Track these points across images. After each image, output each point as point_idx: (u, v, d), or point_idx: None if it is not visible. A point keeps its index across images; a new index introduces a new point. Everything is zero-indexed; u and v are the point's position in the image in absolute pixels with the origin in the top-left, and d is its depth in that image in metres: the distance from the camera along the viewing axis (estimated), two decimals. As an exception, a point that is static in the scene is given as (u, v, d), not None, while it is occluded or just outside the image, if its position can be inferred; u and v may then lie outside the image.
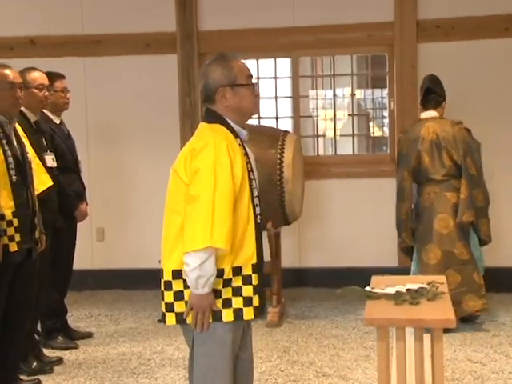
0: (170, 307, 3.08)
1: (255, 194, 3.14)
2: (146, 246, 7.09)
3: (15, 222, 4.30)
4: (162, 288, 3.11)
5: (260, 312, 3.12)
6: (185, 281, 3.03)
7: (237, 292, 3.05)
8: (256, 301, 3.08)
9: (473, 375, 4.70)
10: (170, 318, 3.09)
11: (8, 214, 4.27)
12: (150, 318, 6.29)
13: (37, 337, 5.29)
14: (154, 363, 5.14)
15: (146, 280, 7.00)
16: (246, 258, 3.06)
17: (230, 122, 3.15)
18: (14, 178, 4.30)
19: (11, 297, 4.36)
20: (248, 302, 3.07)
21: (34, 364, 4.94)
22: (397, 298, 3.38)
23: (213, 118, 3.17)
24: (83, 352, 5.43)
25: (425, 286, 3.53)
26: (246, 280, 3.06)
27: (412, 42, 6.84)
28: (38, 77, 5.09)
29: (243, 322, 3.12)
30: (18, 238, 4.31)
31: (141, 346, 5.53)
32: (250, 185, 3.10)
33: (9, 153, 4.30)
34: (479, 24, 6.77)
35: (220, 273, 3.02)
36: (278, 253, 6.21)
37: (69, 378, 4.88)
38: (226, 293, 3.04)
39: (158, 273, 6.21)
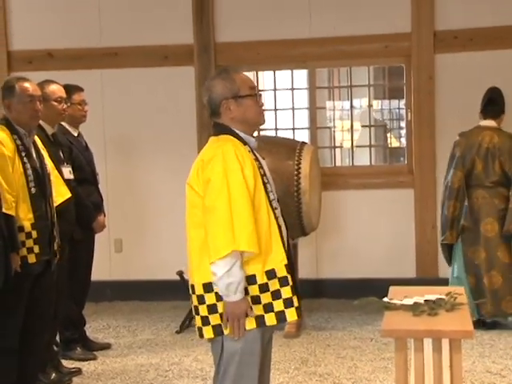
0: (205, 321, 3.11)
1: (272, 197, 3.16)
2: (163, 258, 7.11)
3: (34, 233, 4.32)
4: (196, 303, 3.13)
5: (300, 312, 3.16)
6: (217, 294, 3.05)
7: (276, 296, 3.08)
8: (296, 301, 3.13)
9: (492, 387, 4.67)
10: (208, 332, 3.12)
11: (27, 225, 4.30)
12: (167, 329, 6.29)
13: (55, 348, 5.30)
14: (171, 374, 5.15)
15: (164, 291, 7.03)
16: (278, 259, 3.09)
17: (237, 131, 3.19)
18: (33, 190, 4.32)
19: (30, 307, 4.38)
20: (289, 303, 3.10)
21: (53, 375, 4.96)
22: (415, 309, 3.37)
23: (219, 130, 3.22)
24: (101, 363, 5.44)
25: (443, 296, 3.51)
26: (283, 282, 3.09)
27: (429, 52, 6.83)
28: (56, 89, 5.13)
29: (270, 331, 3.17)
30: (36, 249, 4.33)
31: (159, 357, 5.53)
32: (265, 188, 3.12)
33: (28, 165, 4.33)
34: (497, 34, 6.75)
35: (252, 279, 3.05)
36: (296, 264, 6.19)
37: (87, 389, 4.90)
38: (265, 298, 3.07)
39: (176, 284, 6.25)
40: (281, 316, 3.09)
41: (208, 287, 3.07)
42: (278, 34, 7.01)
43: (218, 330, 3.09)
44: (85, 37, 7.23)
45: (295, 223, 5.85)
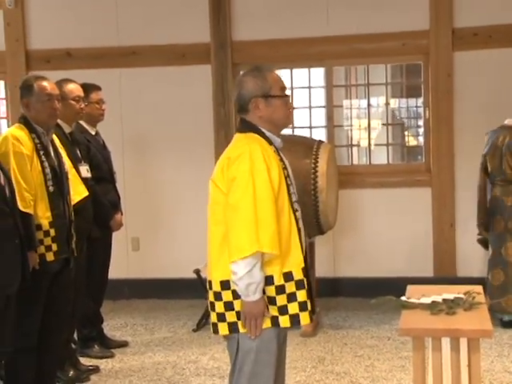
0: (221, 317, 3.12)
1: (294, 199, 3.16)
2: (180, 256, 7.12)
3: (52, 232, 4.34)
4: (212, 299, 3.14)
5: (313, 315, 3.16)
6: (233, 291, 3.05)
7: (292, 298, 3.08)
8: (309, 305, 3.12)
9: (511, 387, 4.64)
10: (223, 328, 3.13)
11: (45, 224, 4.32)
12: (184, 327, 6.30)
13: (73, 345, 5.34)
14: (188, 372, 5.16)
15: (181, 289, 7.04)
16: (296, 262, 3.09)
17: (263, 130, 3.17)
18: (51, 188, 4.34)
19: (48, 305, 4.40)
20: (304, 306, 3.10)
21: (71, 372, 4.99)
22: (433, 307, 3.35)
23: (246, 127, 3.20)
24: (119, 361, 5.46)
25: (461, 295, 3.49)
26: (299, 285, 3.09)
27: (447, 50, 6.79)
28: (74, 89, 5.14)
29: (284, 331, 3.16)
30: (54, 247, 4.35)
31: (176, 356, 5.54)
32: (288, 190, 3.12)
33: (46, 164, 4.35)
34: (516, 31, 6.70)
35: (270, 280, 3.05)
36: (313, 263, 6.18)
37: (104, 387, 4.92)
38: (281, 300, 3.06)
39: (193, 282, 6.27)
40: (295, 319, 3.09)
41: (225, 284, 3.08)
42: (295, 32, 6.99)
43: (233, 327, 3.10)
44: (103, 36, 7.26)
45: (312, 222, 5.84)
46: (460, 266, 6.84)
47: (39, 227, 4.28)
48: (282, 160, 3.19)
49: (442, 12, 6.77)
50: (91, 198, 5.16)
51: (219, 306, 3.11)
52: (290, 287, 3.07)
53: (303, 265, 3.11)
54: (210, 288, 3.15)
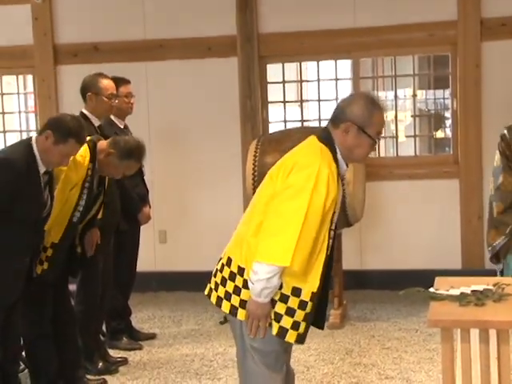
0: (227, 296, 3.14)
1: (333, 226, 3.13)
2: (208, 248, 7.11)
3: (49, 251, 4.34)
4: (227, 276, 3.15)
5: (302, 339, 3.12)
6: (245, 280, 3.06)
7: (290, 312, 3.06)
8: (302, 328, 3.09)
9: (540, 379, 4.60)
10: (226, 306, 3.15)
11: (48, 241, 4.33)
12: (212, 319, 6.33)
13: (102, 337, 5.38)
14: (216, 364, 5.18)
15: (208, 282, 7.05)
16: (309, 284, 3.07)
17: (338, 152, 3.15)
18: (74, 219, 4.37)
19: (58, 299, 4.48)
20: (296, 326, 3.08)
21: (100, 364, 5.03)
22: (461, 299, 3.33)
23: (327, 139, 3.16)
24: (147, 353, 5.50)
25: (490, 287, 3.47)
26: (302, 305, 3.07)
27: (476, 40, 6.72)
28: (108, 85, 5.17)
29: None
30: (45, 266, 4.35)
31: (203, 348, 5.57)
32: (332, 217, 3.10)
33: (84, 197, 4.37)
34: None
35: (279, 286, 3.04)
36: (340, 255, 6.18)
37: (133, 379, 4.95)
38: (280, 307, 3.06)
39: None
40: (283, 331, 3.07)
41: (241, 271, 3.09)
42: (321, 24, 6.97)
43: (233, 310, 3.11)
44: (129, 29, 7.28)
45: (339, 214, 5.81)
46: (488, 259, 6.78)
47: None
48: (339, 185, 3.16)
49: (470, 2, 6.71)
50: (119, 191, 5.21)
51: (229, 286, 3.13)
52: (293, 302, 3.06)
53: (315, 290, 3.07)
54: (229, 265, 3.15)
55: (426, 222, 6.98)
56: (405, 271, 6.83)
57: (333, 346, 5.44)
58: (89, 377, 4.81)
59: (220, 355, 5.36)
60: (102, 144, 4.49)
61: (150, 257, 7.23)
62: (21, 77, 8.13)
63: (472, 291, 3.41)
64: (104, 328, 5.53)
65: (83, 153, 4.35)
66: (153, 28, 7.26)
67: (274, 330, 3.07)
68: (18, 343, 4.40)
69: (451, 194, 6.91)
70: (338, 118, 3.16)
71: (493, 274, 5.96)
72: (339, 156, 3.15)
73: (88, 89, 5.11)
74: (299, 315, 3.07)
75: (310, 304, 3.07)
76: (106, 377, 4.90)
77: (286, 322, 3.07)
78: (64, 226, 4.34)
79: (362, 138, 3.13)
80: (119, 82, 5.51)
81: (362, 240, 7.08)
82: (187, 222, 7.33)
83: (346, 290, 6.43)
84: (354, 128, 3.11)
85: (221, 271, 3.20)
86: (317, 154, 3.09)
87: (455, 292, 3.41)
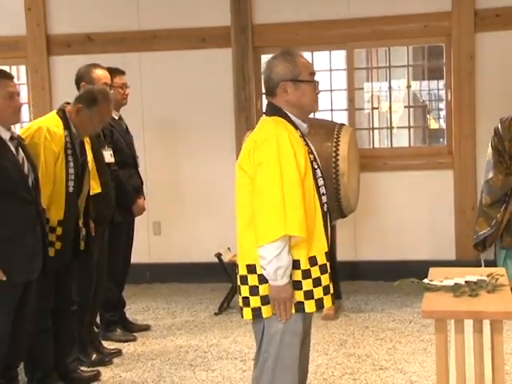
0: (245, 302, 3.13)
1: (320, 182, 3.15)
2: (202, 240, 7.14)
3: (59, 230, 4.36)
4: (239, 283, 3.16)
5: (335, 297, 3.18)
6: (259, 276, 3.05)
7: (317, 283, 3.09)
8: (331, 288, 3.14)
9: (534, 370, 4.62)
10: (247, 313, 3.14)
11: (54, 220, 4.34)
12: (206, 310, 6.33)
13: (96, 329, 5.37)
14: (210, 355, 5.18)
15: (203, 273, 7.07)
16: (320, 247, 3.10)
17: (290, 115, 3.16)
18: (70, 189, 4.37)
19: (58, 289, 4.48)
20: (327, 290, 3.12)
21: (94, 356, 5.02)
22: (455, 290, 3.34)
23: (273, 111, 3.19)
24: (141, 344, 5.50)
25: (484, 278, 3.48)
26: (323, 269, 3.10)
27: (470, 31, 6.72)
28: (102, 75, 5.16)
29: (311, 313, 3.18)
30: (58, 246, 4.37)
31: (198, 339, 5.57)
32: (314, 174, 3.11)
33: (71, 164, 4.36)
34: (539, 12, 6.62)
35: (296, 264, 3.05)
36: (334, 246, 6.17)
37: (127, 370, 4.95)
38: (307, 284, 3.07)
39: (214, 266, 6.29)
40: (319, 303, 3.11)
41: (251, 268, 3.08)
42: (316, 15, 6.95)
43: (256, 312, 3.10)
44: (123, 20, 7.25)
45: (333, 205, 5.83)
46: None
47: (47, 221, 4.28)
48: (307, 145, 3.17)
49: (464, -7, 6.70)
50: (114, 183, 5.20)
51: (245, 290, 3.12)
52: (315, 272, 3.08)
53: (327, 249, 3.12)
54: (238, 272, 3.17)
55: (420, 212, 6.98)
56: (399, 262, 6.84)
57: (327, 337, 5.45)
58: (83, 368, 4.80)
59: (214, 346, 5.36)
60: (69, 107, 4.51)
61: (145, 248, 7.23)
62: (14, 67, 8.08)
63: (466, 282, 3.42)
64: (98, 320, 5.52)
65: (56, 123, 4.39)
66: (147, 18, 7.23)
67: (312, 307, 3.09)
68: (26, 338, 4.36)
69: (445, 185, 6.92)
70: (270, 87, 3.20)
71: (486, 265, 5.98)
72: (293, 118, 3.18)
73: (82, 79, 5.11)
74: (325, 279, 3.11)
75: (328, 264, 3.11)
76: (100, 368, 4.89)
77: (318, 292, 3.09)
78: (63, 200, 4.34)
79: (302, 87, 3.16)
80: (114, 72, 5.49)
81: (356, 231, 7.08)
82: (181, 214, 7.32)
83: (340, 281, 6.43)
84: (288, 83, 3.15)
85: (237, 283, 3.21)
86: (270, 126, 3.13)
87: (449, 283, 3.42)
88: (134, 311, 6.34)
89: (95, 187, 4.85)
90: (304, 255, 3.06)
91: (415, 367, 4.76)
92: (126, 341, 5.53)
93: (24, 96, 7.87)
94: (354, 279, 7.01)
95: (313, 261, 3.07)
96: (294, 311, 3.09)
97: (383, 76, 7.92)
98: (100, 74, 5.13)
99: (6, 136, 3.99)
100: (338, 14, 6.92)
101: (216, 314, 6.18)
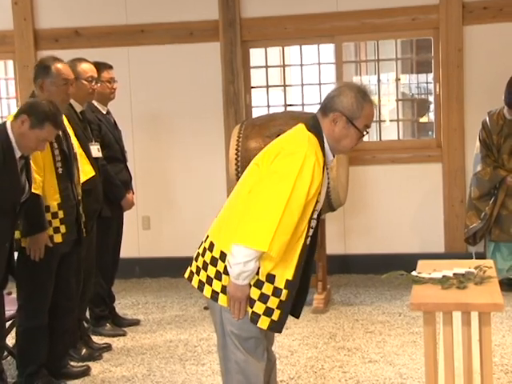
0: (209, 280, 3.13)
1: (314, 216, 3.11)
2: (191, 234, 7.09)
3: (60, 213, 4.36)
4: (208, 260, 3.13)
5: (277, 327, 3.09)
6: (225, 266, 3.05)
7: (263, 298, 3.05)
8: (276, 315, 3.07)
9: (522, 361, 4.64)
10: (207, 291, 3.14)
11: (53, 205, 4.33)
12: (196, 305, 6.33)
13: (85, 324, 5.37)
14: (200, 350, 5.18)
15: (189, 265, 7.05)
16: (285, 271, 3.05)
17: (325, 141, 3.12)
18: (59, 170, 4.35)
19: (58, 285, 4.45)
20: (268, 312, 3.07)
21: (84, 351, 5.01)
22: (444, 282, 3.35)
23: (315, 128, 3.13)
24: (131, 339, 5.49)
25: (472, 270, 3.49)
26: (276, 292, 3.05)
27: (458, 24, 6.73)
28: (88, 69, 5.12)
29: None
30: (62, 229, 4.37)
31: (187, 333, 5.57)
32: (314, 206, 3.08)
33: (55, 145, 4.35)
34: (527, 5, 6.63)
35: (257, 269, 3.03)
36: (323, 239, 6.19)
37: (117, 365, 4.94)
38: (254, 293, 3.05)
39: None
40: (255, 317, 3.06)
41: (223, 257, 3.07)
42: (304, 8, 6.95)
43: (215, 295, 3.10)
44: (111, 14, 7.23)
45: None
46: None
47: (47, 209, 4.30)
48: (324, 175, 3.13)
49: (452, -14, 6.71)
50: (103, 177, 5.18)
51: (211, 271, 3.11)
52: (267, 288, 3.04)
53: (290, 278, 3.05)
54: (210, 250, 3.14)
55: (409, 206, 7.00)
56: (388, 255, 6.86)
57: (317, 331, 5.46)
58: (72, 363, 4.79)
59: (204, 341, 5.37)
60: (37, 91, 4.49)
61: (134, 243, 7.22)
62: (1, 62, 8.06)
63: (454, 274, 3.43)
64: (87, 314, 5.51)
65: None
66: (134, 13, 7.21)
67: (248, 315, 3.07)
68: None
69: (434, 178, 6.94)
70: (327, 107, 3.14)
71: (478, 257, 6.02)
72: (326, 145, 3.13)
73: None
74: (273, 302, 3.05)
75: (284, 292, 3.05)
76: (90, 363, 4.88)
77: (259, 307, 3.05)
78: (55, 182, 4.32)
79: (350, 130, 3.11)
80: (101, 66, 5.47)
81: (345, 224, 7.09)
82: (171, 208, 7.31)
83: (330, 274, 6.45)
84: (342, 119, 3.09)
85: (202, 255, 3.19)
86: (304, 142, 3.06)
87: (437, 275, 3.43)
88: (124, 306, 6.34)
89: (88, 171, 4.81)
90: (266, 268, 3.02)
91: (404, 360, 4.77)
92: (116, 335, 5.53)
93: (12, 91, 7.85)
94: (344, 272, 7.02)
95: (270, 278, 3.03)
96: (249, 316, 3.07)
97: (372, 69, 7.93)
98: (86, 67, 5.11)
99: (17, 154, 4.00)
100: (327, 7, 6.92)
101: (205, 308, 6.17)
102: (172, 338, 5.47)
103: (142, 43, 7.21)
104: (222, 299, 3.09)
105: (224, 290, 3.08)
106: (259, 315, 3.06)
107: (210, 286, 3.12)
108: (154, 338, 5.51)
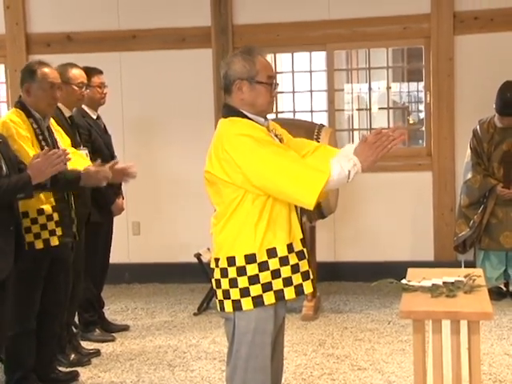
0: (226, 294, 3.12)
1: None
2: (181, 240, 7.13)
3: (55, 216, 4.35)
4: (219, 276, 3.13)
5: (301, 291, 3.13)
6: (238, 268, 3.06)
7: (295, 269, 3.09)
8: (311, 273, 3.13)
9: (510, 369, 4.65)
10: (228, 305, 3.12)
11: (48, 208, 4.32)
12: (185, 311, 6.32)
13: (74, 329, 5.35)
14: (189, 356, 5.17)
15: (182, 273, 7.05)
16: (295, 233, 3.11)
17: (246, 113, 3.16)
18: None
19: (47, 290, 4.43)
20: (306, 276, 3.11)
21: (72, 356, 5.00)
22: (433, 290, 3.36)
23: (229, 112, 3.18)
24: (120, 344, 5.48)
25: (461, 278, 3.50)
26: (300, 255, 3.10)
27: (449, 34, 6.76)
28: (78, 74, 5.12)
29: (282, 312, 3.18)
30: (59, 232, 4.37)
31: (177, 339, 5.56)
32: None
33: (45, 147, 4.33)
34: (518, 15, 6.67)
35: (273, 252, 3.06)
36: (313, 247, 6.19)
37: (106, 370, 4.93)
38: (265, 277, 3.05)
39: (194, 266, 6.26)
40: (299, 289, 3.11)
41: (231, 261, 3.08)
42: (296, 16, 6.97)
43: (236, 305, 3.10)
44: (103, 20, 7.23)
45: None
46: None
47: (42, 212, 4.28)
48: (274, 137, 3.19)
49: (444, -5, 6.74)
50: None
51: (225, 283, 3.11)
52: (293, 258, 3.08)
53: (301, 235, 3.14)
54: (217, 265, 3.14)
55: (399, 214, 7.01)
56: (378, 263, 6.87)
57: (306, 338, 5.46)
58: (61, 369, 4.77)
59: (193, 347, 5.36)
60: (23, 96, 4.48)
61: (124, 248, 7.20)
62: (-8, 66, 8.03)
63: (444, 283, 3.44)
64: (76, 320, 5.50)
65: (17, 114, 4.36)
66: (126, 18, 7.21)
67: (292, 294, 3.08)
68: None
69: (424, 187, 6.95)
70: (226, 84, 3.18)
71: (467, 266, 6.03)
72: (251, 116, 3.15)
73: None
74: (303, 265, 3.10)
75: (291, 256, 3.08)
76: (79, 369, 4.86)
77: (277, 284, 3.06)
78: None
79: (257, 88, 3.14)
80: (92, 72, 5.47)
81: (335, 232, 7.10)
82: (161, 214, 7.30)
83: (320, 281, 6.45)
84: (244, 83, 3.13)
85: (213, 276, 3.19)
86: (235, 126, 3.11)
87: (427, 283, 3.44)
88: (113, 311, 6.32)
89: (84, 163, 4.78)
90: (281, 242, 3.06)
91: (393, 367, 4.78)
92: (105, 341, 5.51)
93: (3, 95, 7.82)
94: (334, 280, 7.03)
95: (290, 247, 3.08)
96: (273, 300, 3.08)
97: (363, 77, 7.95)
98: (76, 73, 5.11)
99: None
100: (319, 15, 6.94)
101: (195, 314, 6.18)
102: (161, 344, 5.45)
103: (133, 49, 7.21)
104: (246, 303, 3.08)
105: (243, 293, 3.07)
106: (301, 284, 3.09)
107: (229, 298, 3.11)
108: (143, 343, 5.49)
